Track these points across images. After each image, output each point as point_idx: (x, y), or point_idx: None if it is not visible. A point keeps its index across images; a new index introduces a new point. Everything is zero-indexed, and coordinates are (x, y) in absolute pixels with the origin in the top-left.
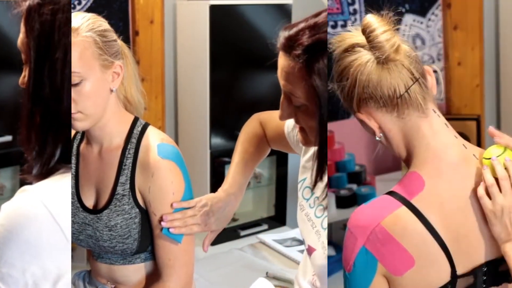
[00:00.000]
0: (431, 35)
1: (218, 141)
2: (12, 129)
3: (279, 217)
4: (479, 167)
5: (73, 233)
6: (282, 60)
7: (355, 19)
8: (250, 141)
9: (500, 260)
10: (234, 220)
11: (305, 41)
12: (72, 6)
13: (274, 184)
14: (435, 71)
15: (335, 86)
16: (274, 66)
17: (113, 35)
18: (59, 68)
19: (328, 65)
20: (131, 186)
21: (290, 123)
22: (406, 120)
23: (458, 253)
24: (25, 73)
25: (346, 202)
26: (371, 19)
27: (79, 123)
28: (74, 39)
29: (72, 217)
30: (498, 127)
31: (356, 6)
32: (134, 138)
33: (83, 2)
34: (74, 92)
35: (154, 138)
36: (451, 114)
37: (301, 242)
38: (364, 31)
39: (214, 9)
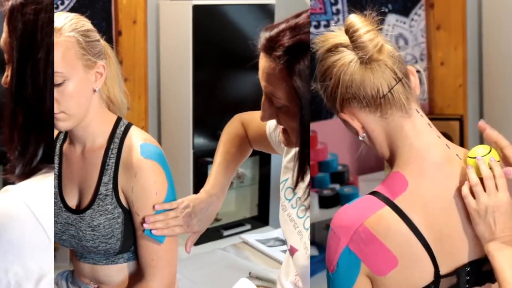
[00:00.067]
0: (414, 35)
1: (201, 141)
2: None
3: (262, 217)
4: (463, 167)
5: (56, 233)
6: (263, 61)
7: (338, 19)
8: (232, 141)
9: (483, 260)
10: (217, 220)
11: (286, 42)
12: (55, 6)
13: (257, 184)
14: (418, 71)
15: (318, 86)
16: (257, 67)
17: (96, 35)
18: (42, 68)
19: (311, 65)
20: (114, 186)
21: (272, 123)
22: (389, 120)
23: (442, 253)
24: (7, 72)
25: (329, 202)
26: (354, 19)
27: (62, 123)
28: (57, 39)
29: (55, 217)
30: None
31: (339, 6)
32: (117, 138)
33: (66, 2)
34: (57, 92)
35: (137, 138)
36: (434, 114)
37: (284, 242)
38: (347, 31)
39: (197, 9)
